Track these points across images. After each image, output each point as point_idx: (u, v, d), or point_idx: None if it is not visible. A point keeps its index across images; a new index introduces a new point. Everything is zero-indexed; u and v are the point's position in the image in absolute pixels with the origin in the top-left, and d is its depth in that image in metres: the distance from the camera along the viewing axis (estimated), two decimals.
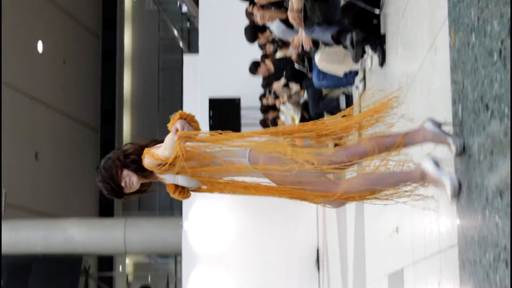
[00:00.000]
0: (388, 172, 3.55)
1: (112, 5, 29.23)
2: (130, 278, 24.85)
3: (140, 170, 3.71)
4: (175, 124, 3.44)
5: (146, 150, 3.65)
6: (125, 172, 3.73)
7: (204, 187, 3.73)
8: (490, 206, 2.74)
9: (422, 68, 4.43)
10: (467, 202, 3.14)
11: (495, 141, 2.66)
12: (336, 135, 3.75)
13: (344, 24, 6.71)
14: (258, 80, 12.63)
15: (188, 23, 26.65)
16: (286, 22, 7.68)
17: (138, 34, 29.51)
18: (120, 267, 25.96)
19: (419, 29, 4.55)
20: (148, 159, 3.62)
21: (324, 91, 9.56)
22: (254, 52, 11.91)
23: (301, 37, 7.12)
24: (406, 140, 3.54)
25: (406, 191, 3.56)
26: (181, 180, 3.67)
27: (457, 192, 3.29)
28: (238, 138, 3.66)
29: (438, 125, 3.49)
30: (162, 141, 3.69)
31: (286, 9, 6.98)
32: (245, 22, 9.18)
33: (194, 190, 3.77)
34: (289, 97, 11.98)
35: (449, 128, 3.48)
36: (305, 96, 10.46)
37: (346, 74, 8.41)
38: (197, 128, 3.49)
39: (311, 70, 9.07)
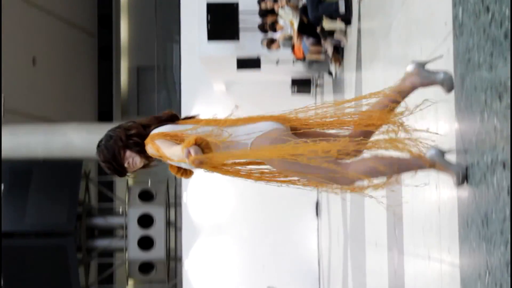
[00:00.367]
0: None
1: None
2: (130, 182, 25.05)
3: (142, 152, 3.66)
4: (189, 148, 3.29)
5: (150, 138, 3.59)
6: (128, 153, 3.68)
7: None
8: (488, 109, 2.75)
9: None
10: (466, 105, 3.14)
11: (495, 44, 2.65)
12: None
13: None
14: None
15: None
16: None
17: None
18: None
19: None
20: (152, 150, 3.57)
21: None
22: None
23: None
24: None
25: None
26: (184, 164, 3.62)
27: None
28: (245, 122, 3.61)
29: (442, 153, 3.38)
30: (162, 121, 3.67)
31: None
32: None
33: None
34: (288, 0, 11.84)
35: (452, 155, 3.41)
36: None
37: None
38: (210, 153, 3.37)
39: None
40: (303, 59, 12.79)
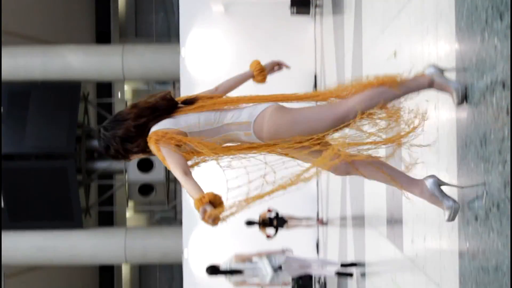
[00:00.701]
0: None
1: None
2: (129, 104, 25.04)
3: (143, 150, 3.72)
4: (205, 207, 3.25)
5: (153, 140, 3.57)
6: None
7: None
8: (489, 28, 2.72)
9: None
10: (466, 24, 3.12)
11: None
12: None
13: None
14: None
15: None
16: None
17: None
18: (119, 93, 26.12)
19: None
20: (155, 152, 3.59)
21: None
22: None
23: None
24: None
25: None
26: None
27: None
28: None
29: (441, 71, 3.40)
30: (161, 111, 3.66)
31: None
32: None
33: None
34: None
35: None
36: None
37: None
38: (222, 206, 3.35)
39: None
40: None
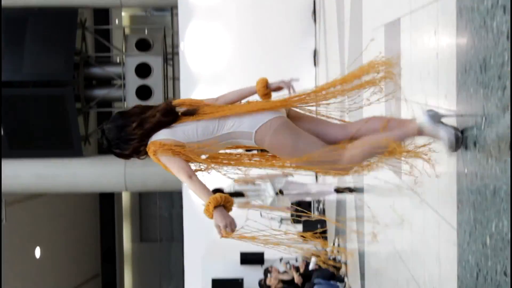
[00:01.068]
0: (385, 133, 3.55)
1: None
2: (127, 31, 24.84)
3: (143, 153, 3.87)
4: (219, 218, 3.48)
5: (152, 151, 3.72)
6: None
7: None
8: None
9: None
10: None
11: None
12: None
13: None
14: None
15: None
16: None
17: None
18: (116, 20, 25.91)
19: None
20: (154, 159, 3.73)
21: None
22: None
23: None
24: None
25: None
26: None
27: (454, 147, 3.21)
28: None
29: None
30: (162, 122, 3.78)
31: None
32: None
33: None
34: None
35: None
36: None
37: None
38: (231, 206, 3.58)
39: None
40: None
